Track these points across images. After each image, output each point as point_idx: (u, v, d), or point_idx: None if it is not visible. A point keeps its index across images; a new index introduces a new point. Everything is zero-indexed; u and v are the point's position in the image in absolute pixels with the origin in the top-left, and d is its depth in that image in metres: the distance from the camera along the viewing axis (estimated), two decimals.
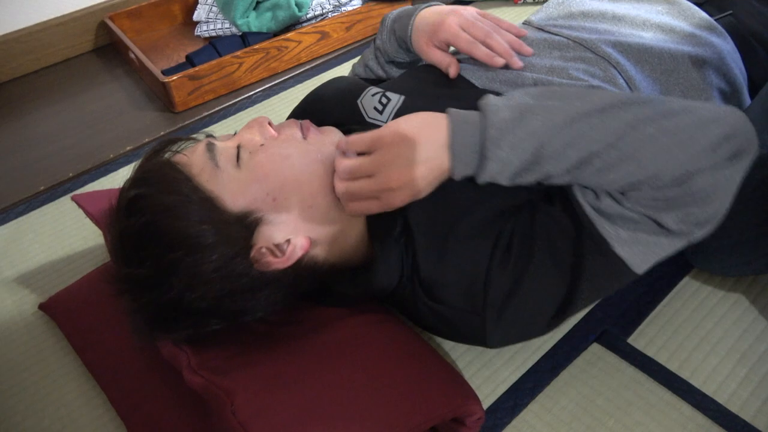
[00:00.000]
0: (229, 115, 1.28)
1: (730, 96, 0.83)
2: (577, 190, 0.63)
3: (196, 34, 1.51)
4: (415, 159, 0.60)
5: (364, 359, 0.64)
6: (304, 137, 0.68)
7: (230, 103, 1.31)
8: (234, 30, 1.43)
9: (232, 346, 0.65)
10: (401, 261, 0.69)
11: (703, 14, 0.87)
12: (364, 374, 0.62)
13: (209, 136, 0.69)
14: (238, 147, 0.65)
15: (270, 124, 0.69)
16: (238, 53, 1.30)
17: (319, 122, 0.73)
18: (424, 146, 0.61)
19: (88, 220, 1.01)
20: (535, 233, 0.63)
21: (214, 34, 1.48)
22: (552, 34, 0.84)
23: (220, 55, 1.31)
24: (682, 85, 0.79)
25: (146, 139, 1.21)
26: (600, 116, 0.59)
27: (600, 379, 0.74)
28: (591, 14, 0.87)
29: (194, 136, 0.69)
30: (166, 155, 0.66)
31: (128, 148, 1.20)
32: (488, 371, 0.76)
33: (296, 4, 1.38)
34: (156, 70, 1.25)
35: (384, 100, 0.77)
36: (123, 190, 0.64)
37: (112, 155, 1.18)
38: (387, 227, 0.68)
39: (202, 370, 0.62)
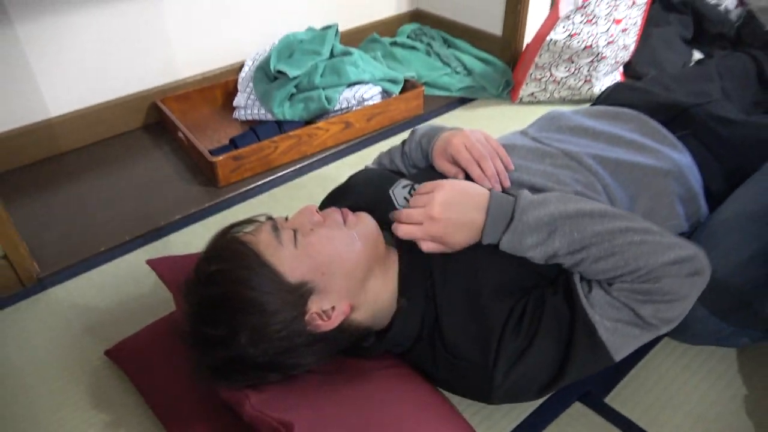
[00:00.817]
0: (265, 191, 1.47)
1: (688, 201, 1.02)
2: (577, 282, 0.80)
3: (234, 116, 1.73)
4: (465, 210, 0.80)
5: (397, 402, 0.79)
6: (344, 222, 0.85)
7: (265, 180, 1.50)
8: (269, 116, 1.65)
9: (286, 390, 0.79)
10: (422, 320, 0.84)
11: (666, 132, 1.07)
12: (397, 414, 0.77)
13: (269, 218, 0.85)
14: (294, 230, 0.81)
15: (317, 211, 0.86)
16: (275, 138, 1.50)
17: (354, 206, 0.90)
18: (470, 203, 0.81)
19: (144, 278, 1.18)
20: (542, 313, 0.79)
21: (251, 118, 1.69)
22: (545, 144, 1.04)
23: (260, 140, 1.52)
24: (648, 191, 0.98)
25: (193, 209, 1.39)
26: (601, 218, 0.79)
27: None
28: (576, 130, 1.07)
29: (255, 218, 0.85)
30: (235, 234, 0.82)
31: (177, 216, 1.37)
32: (489, 422, 0.91)
33: (326, 98, 1.60)
34: (204, 150, 1.45)
35: (413, 192, 0.95)
36: (201, 264, 0.78)
37: (163, 222, 1.35)
38: (414, 294, 0.84)
39: (261, 407, 0.76)
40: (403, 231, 0.82)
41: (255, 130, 1.55)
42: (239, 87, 1.76)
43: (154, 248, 1.28)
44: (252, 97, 1.71)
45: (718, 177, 1.06)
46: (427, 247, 0.82)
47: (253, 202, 1.43)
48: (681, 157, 1.04)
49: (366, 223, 0.86)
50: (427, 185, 0.83)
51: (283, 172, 1.53)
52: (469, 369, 0.81)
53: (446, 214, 0.79)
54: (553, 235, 0.78)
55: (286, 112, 1.61)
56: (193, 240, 1.30)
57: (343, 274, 0.80)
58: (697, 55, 1.98)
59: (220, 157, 1.42)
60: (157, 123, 1.75)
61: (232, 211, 1.40)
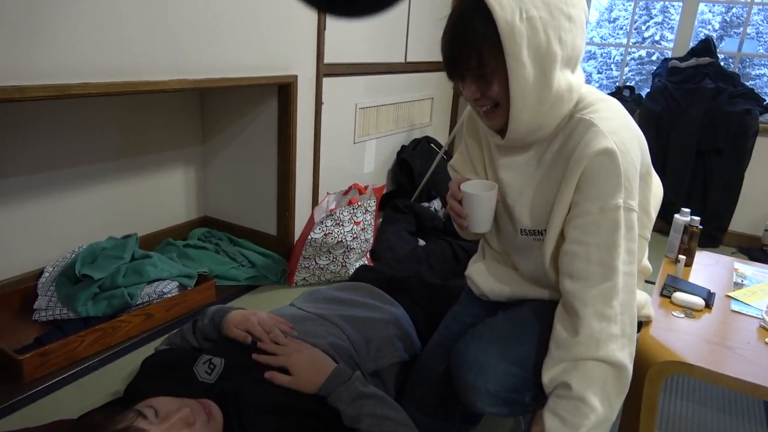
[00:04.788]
0: (71, 382, 1.61)
1: (404, 339, 1.50)
2: None
3: (34, 318, 1.86)
4: (320, 357, 1.20)
5: None
6: (208, 419, 1.06)
7: (72, 372, 1.65)
8: (72, 315, 1.83)
9: None
10: None
11: (387, 296, 1.60)
12: None
13: (140, 414, 1.00)
14: None
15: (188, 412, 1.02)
16: (81, 333, 1.69)
17: (162, 384, 1.15)
18: (325, 357, 1.19)
19: None
20: None
21: (51, 318, 1.85)
22: (307, 312, 1.47)
23: (66, 335, 1.69)
24: (377, 336, 1.44)
25: None
26: (378, 401, 1.17)
27: None
28: (327, 300, 1.54)
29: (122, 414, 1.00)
30: None
31: None
32: None
33: (128, 295, 1.86)
34: (8, 349, 1.57)
35: (211, 366, 1.25)
36: None
37: None
38: None
39: None
40: (265, 358, 1.19)
41: (61, 327, 1.72)
42: (39, 291, 1.92)
43: None
44: (54, 299, 1.89)
45: (422, 320, 1.60)
46: (280, 380, 1.15)
47: (60, 394, 1.56)
48: (397, 311, 1.56)
49: (217, 416, 1.09)
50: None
51: (89, 363, 1.69)
52: None
53: (308, 351, 1.20)
54: (354, 401, 1.15)
55: (90, 309, 1.82)
56: None
57: None
58: (421, 242, 2.71)
59: (27, 355, 1.56)
60: None
61: (37, 405, 1.51)
